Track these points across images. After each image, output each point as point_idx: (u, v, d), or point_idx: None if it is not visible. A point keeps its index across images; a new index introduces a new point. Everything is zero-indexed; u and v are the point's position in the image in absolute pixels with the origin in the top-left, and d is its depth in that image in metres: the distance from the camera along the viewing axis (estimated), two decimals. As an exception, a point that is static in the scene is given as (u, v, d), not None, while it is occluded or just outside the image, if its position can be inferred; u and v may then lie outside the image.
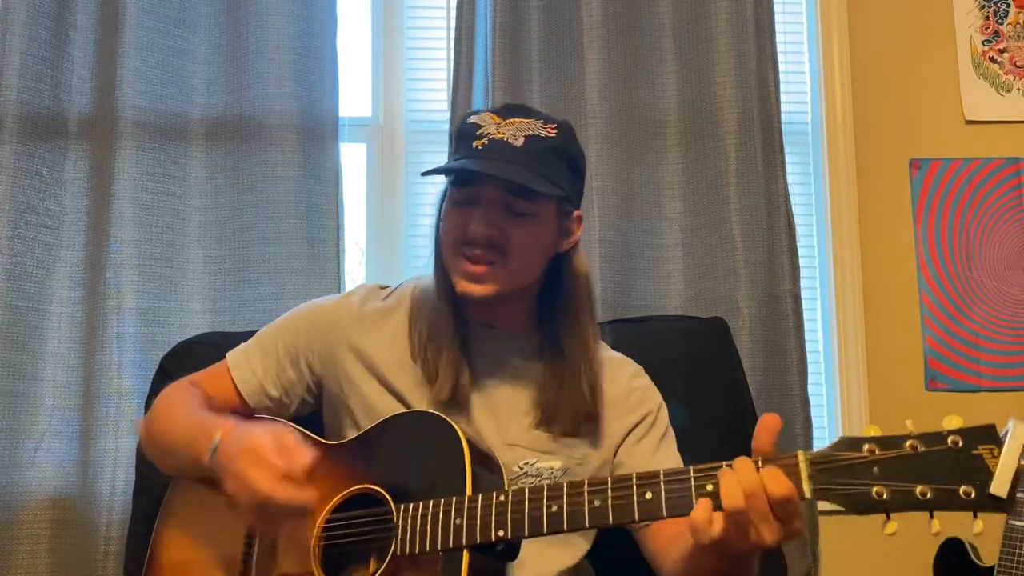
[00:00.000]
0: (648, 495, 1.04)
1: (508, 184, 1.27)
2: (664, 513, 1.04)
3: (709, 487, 1.01)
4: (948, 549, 1.92)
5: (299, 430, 1.37)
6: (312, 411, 1.46)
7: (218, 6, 2.19)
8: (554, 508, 1.09)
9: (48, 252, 2.06)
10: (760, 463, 1.00)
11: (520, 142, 1.26)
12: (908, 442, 0.94)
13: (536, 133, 1.28)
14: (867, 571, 2.05)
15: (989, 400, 2.32)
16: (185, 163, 2.14)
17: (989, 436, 0.92)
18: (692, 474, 1.03)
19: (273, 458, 1.13)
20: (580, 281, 1.36)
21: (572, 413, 1.32)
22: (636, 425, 1.39)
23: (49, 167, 2.08)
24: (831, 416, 2.36)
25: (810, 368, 2.18)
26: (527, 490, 1.11)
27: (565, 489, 1.09)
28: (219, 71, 2.17)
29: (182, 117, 2.15)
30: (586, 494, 1.08)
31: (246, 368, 1.41)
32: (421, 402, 1.34)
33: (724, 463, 1.02)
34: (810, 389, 2.17)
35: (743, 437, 1.68)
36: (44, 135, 2.08)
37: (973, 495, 0.91)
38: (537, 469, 1.33)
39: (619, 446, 1.39)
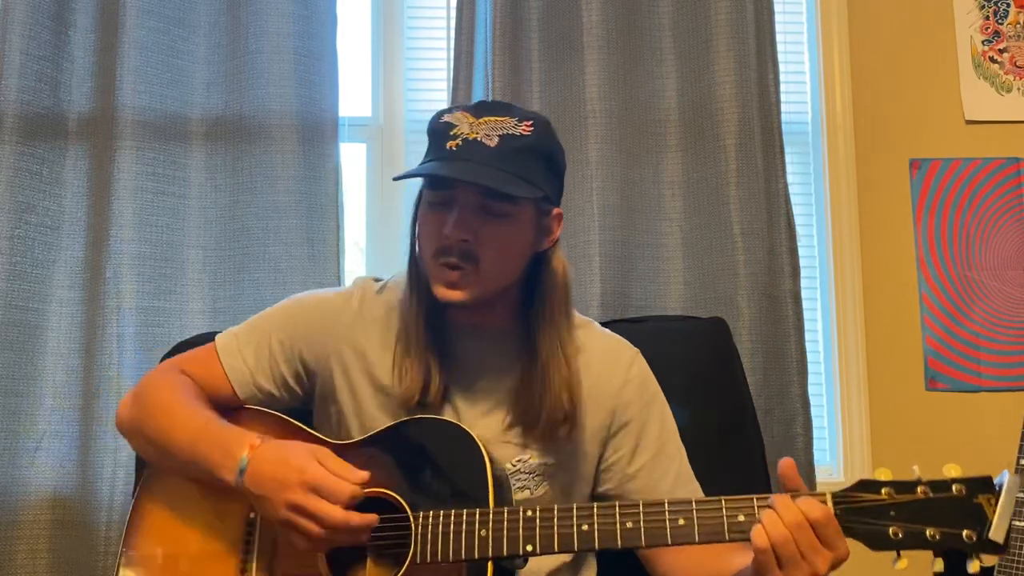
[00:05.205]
0: (681, 521, 1.11)
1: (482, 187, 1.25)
2: (697, 539, 1.11)
3: (741, 518, 1.09)
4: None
5: (305, 429, 1.37)
6: (301, 403, 1.44)
7: (218, 6, 2.19)
8: (585, 527, 1.14)
9: (48, 252, 2.06)
10: (793, 498, 1.08)
11: (494, 142, 1.24)
12: (919, 488, 1.06)
13: (510, 132, 1.26)
14: (867, 570, 2.05)
15: (989, 400, 2.32)
16: (185, 163, 2.14)
17: (987, 486, 1.05)
18: (724, 504, 1.11)
19: (331, 484, 1.16)
20: (557, 279, 1.34)
21: (549, 414, 1.31)
22: (626, 424, 1.37)
23: (49, 167, 2.08)
24: (831, 416, 2.36)
25: (810, 368, 2.18)
26: (556, 508, 1.16)
27: (595, 509, 1.15)
28: (219, 71, 2.18)
29: (182, 117, 2.15)
30: (617, 515, 1.13)
31: (237, 357, 1.39)
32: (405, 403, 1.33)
33: (755, 496, 1.10)
34: (810, 389, 2.17)
35: (743, 437, 1.71)
36: (44, 135, 2.08)
37: (975, 539, 1.03)
38: (530, 465, 1.33)
39: (609, 441, 1.37)
